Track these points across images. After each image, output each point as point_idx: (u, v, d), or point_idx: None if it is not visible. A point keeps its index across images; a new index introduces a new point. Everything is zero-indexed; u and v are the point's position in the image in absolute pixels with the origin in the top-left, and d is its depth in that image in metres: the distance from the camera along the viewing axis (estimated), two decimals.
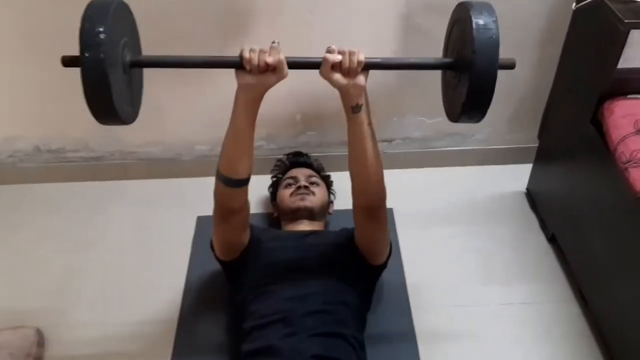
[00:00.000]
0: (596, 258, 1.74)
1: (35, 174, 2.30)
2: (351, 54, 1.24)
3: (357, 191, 1.49)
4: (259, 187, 2.03)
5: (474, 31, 1.14)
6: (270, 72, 1.24)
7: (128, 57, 1.22)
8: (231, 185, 1.43)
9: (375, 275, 1.71)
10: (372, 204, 1.50)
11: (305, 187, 1.91)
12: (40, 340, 1.70)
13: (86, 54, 1.08)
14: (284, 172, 2.07)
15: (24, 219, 2.17)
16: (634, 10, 1.53)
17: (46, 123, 2.20)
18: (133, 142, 2.27)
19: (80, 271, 1.97)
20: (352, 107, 1.33)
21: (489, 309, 1.85)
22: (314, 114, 2.21)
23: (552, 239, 2.04)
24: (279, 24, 1.94)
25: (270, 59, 1.22)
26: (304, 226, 1.84)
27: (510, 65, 1.22)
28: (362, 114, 1.34)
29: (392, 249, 1.69)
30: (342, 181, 1.82)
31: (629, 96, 1.67)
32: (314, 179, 1.99)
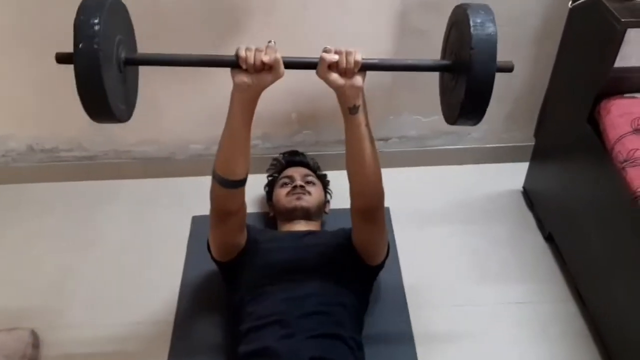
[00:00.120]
0: (593, 257, 1.74)
1: (29, 173, 2.28)
2: (348, 54, 1.23)
3: (355, 193, 1.48)
4: (254, 187, 2.02)
5: (472, 34, 1.14)
6: (267, 71, 1.23)
7: (123, 55, 1.21)
8: (228, 186, 1.42)
9: (372, 275, 1.70)
10: (370, 206, 1.50)
11: (302, 186, 1.90)
12: (35, 342, 1.69)
13: (80, 45, 1.07)
14: (280, 172, 2.06)
15: (18, 220, 2.16)
16: (631, 8, 1.53)
17: (39, 122, 2.19)
18: (127, 141, 2.25)
19: (75, 272, 1.95)
20: (350, 108, 1.32)
21: (486, 309, 1.84)
22: (309, 112, 2.20)
23: (549, 238, 2.04)
24: (274, 22, 1.93)
25: (266, 58, 1.21)
26: (301, 226, 1.83)
27: (508, 68, 1.22)
28: (360, 115, 1.33)
29: (390, 248, 1.68)
30: (338, 180, 1.82)
31: (625, 95, 1.67)
32: (310, 178, 1.98)
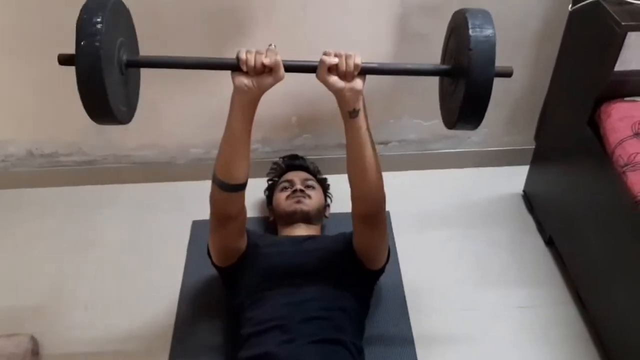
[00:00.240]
0: (594, 261, 1.73)
1: (28, 178, 2.28)
2: (347, 57, 1.24)
3: (356, 198, 1.48)
4: (254, 191, 2.01)
5: (471, 35, 1.15)
6: (267, 73, 1.24)
7: (124, 57, 1.22)
8: (228, 190, 1.42)
9: (373, 280, 1.70)
10: (371, 210, 1.49)
11: (301, 190, 1.90)
12: (35, 348, 1.69)
13: (82, 43, 1.09)
14: (280, 175, 2.05)
15: (18, 224, 2.15)
16: (631, 12, 1.53)
17: (39, 127, 2.18)
18: (127, 145, 2.25)
19: (75, 276, 1.95)
20: (350, 112, 1.32)
21: (486, 313, 1.84)
22: (309, 116, 2.20)
23: (549, 242, 2.03)
24: (274, 24, 1.93)
25: (267, 60, 1.22)
26: (301, 230, 1.83)
27: (507, 74, 1.23)
28: (360, 119, 1.33)
29: (390, 252, 1.68)
30: (338, 184, 1.81)
31: (626, 99, 1.67)
32: (310, 182, 1.98)
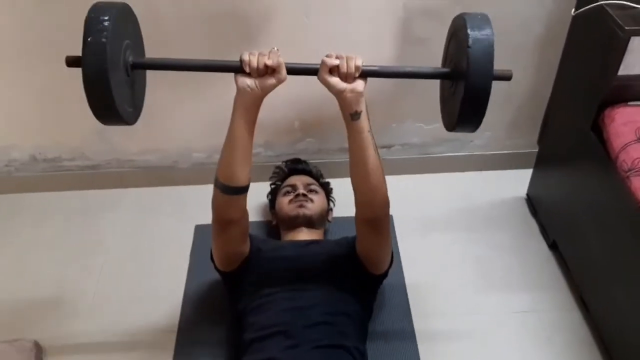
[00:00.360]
0: (598, 265, 1.73)
1: (32, 183, 2.28)
2: (349, 58, 1.26)
3: (360, 203, 1.48)
4: (257, 195, 2.02)
5: (469, 34, 1.17)
6: (270, 75, 1.26)
7: (130, 58, 1.24)
8: (230, 192, 1.42)
9: (376, 284, 1.70)
10: (375, 215, 1.49)
11: (304, 194, 1.90)
12: (38, 353, 1.68)
13: (89, 39, 1.11)
14: (283, 180, 2.05)
15: (21, 229, 2.15)
16: (634, 16, 1.53)
17: (42, 132, 2.19)
18: (130, 150, 2.25)
19: (78, 281, 1.95)
20: (351, 115, 1.32)
21: (489, 317, 1.83)
22: (312, 120, 2.20)
23: (553, 246, 2.03)
24: (276, 28, 1.93)
25: (269, 61, 1.24)
26: (304, 234, 1.83)
27: (506, 77, 1.24)
28: (362, 122, 1.33)
29: (393, 257, 1.68)
30: (341, 188, 1.81)
31: (629, 103, 1.66)
32: (312, 187, 1.98)
